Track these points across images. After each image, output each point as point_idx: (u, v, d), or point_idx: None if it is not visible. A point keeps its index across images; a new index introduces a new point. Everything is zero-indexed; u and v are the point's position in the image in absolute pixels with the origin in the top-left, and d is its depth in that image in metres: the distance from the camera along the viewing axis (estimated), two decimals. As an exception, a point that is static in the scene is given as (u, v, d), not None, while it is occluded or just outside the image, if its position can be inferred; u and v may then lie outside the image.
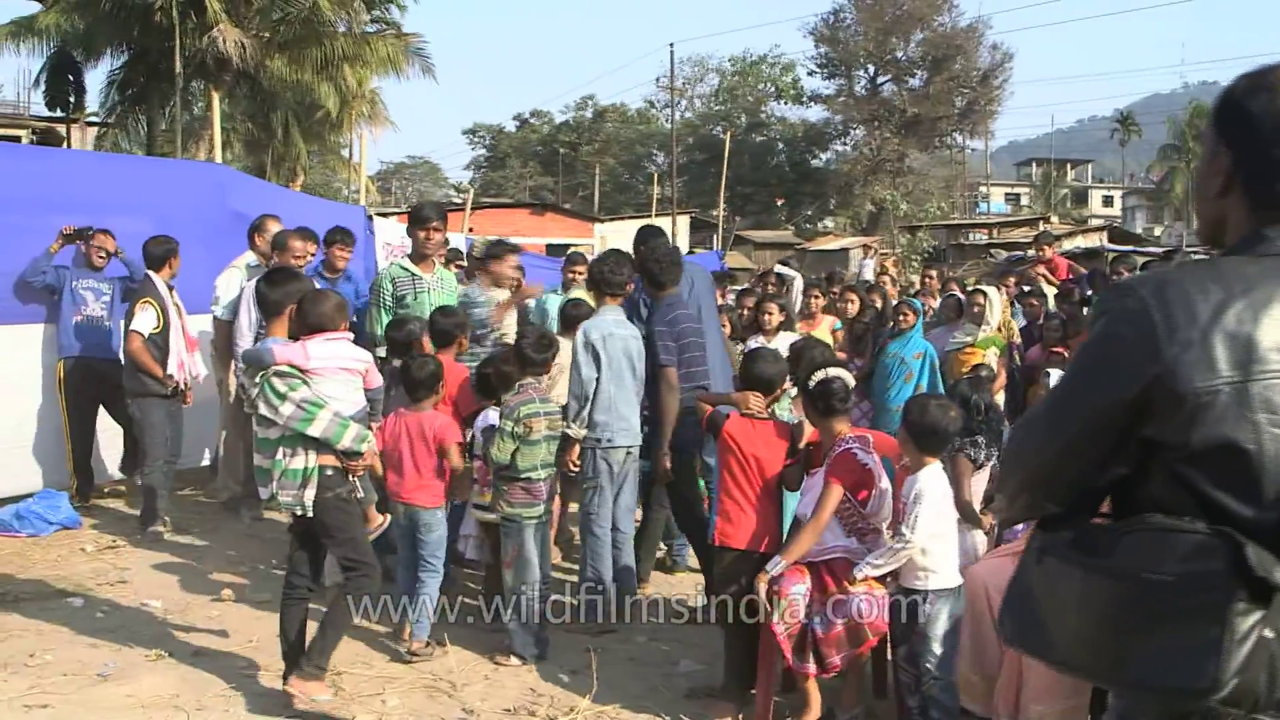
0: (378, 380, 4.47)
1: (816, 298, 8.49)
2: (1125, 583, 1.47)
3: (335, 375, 4.12)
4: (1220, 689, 1.37)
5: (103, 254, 6.96)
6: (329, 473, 4.06)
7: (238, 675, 4.43)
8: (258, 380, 4.00)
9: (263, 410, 4.00)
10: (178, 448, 6.96)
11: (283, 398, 3.96)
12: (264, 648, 4.74)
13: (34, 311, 6.99)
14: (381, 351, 5.66)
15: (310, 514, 4.05)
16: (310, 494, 4.03)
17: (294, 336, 4.17)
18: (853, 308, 8.68)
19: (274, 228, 7.24)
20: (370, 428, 4.29)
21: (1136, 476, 1.57)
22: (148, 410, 6.66)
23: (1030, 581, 1.62)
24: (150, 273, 6.74)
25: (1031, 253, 12.26)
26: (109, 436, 7.28)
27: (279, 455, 4.04)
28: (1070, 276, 10.53)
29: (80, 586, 5.55)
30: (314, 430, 3.98)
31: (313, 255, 7.07)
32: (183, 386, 6.81)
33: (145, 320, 6.56)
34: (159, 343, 6.65)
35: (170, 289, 6.80)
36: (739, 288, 11.56)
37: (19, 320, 6.94)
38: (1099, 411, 1.55)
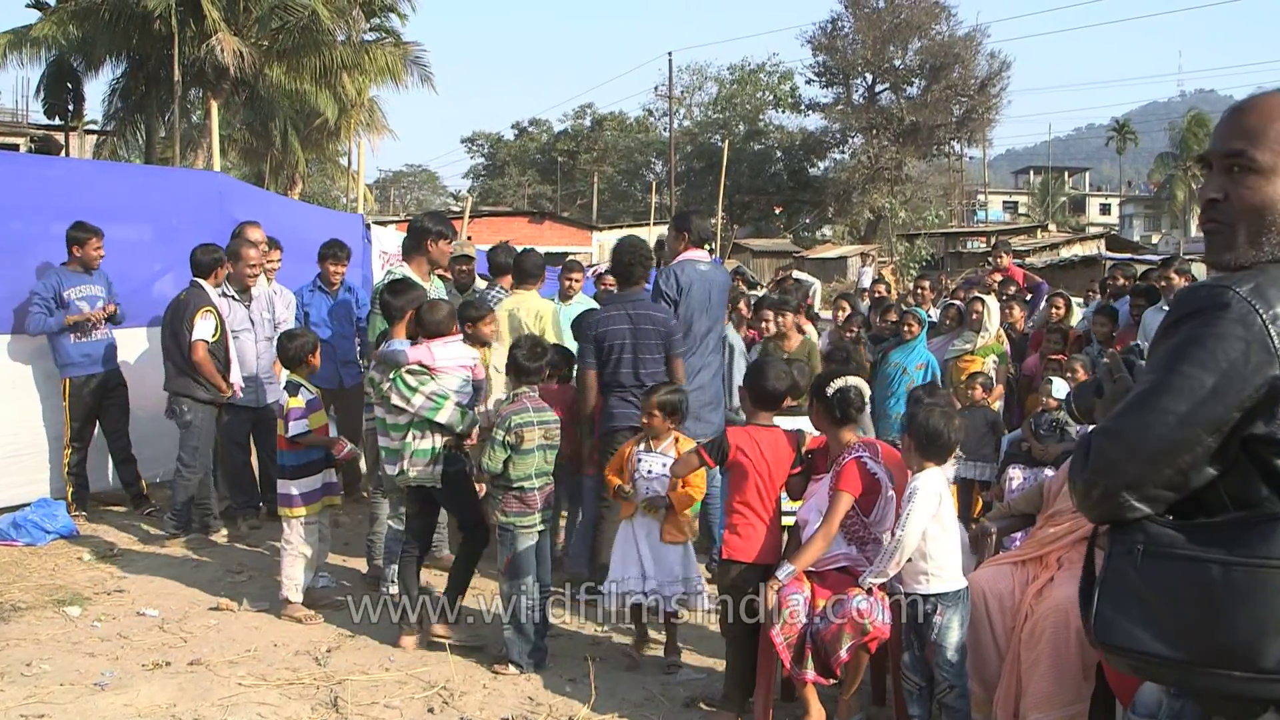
0: (482, 373, 5.24)
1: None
2: (1264, 573, 1.49)
3: (454, 371, 4.91)
4: None
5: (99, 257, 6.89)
6: (450, 451, 4.88)
7: (235, 685, 4.41)
8: (391, 376, 4.80)
9: (395, 401, 4.81)
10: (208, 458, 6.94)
11: (414, 391, 4.78)
12: (262, 657, 4.74)
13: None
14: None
15: (440, 486, 4.87)
16: (439, 469, 4.85)
17: (411, 336, 4.95)
18: (841, 315, 8.65)
19: (254, 235, 7.23)
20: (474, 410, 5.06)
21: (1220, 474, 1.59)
22: (200, 414, 6.61)
23: (1132, 580, 1.61)
24: (200, 280, 6.68)
25: (989, 262, 12.26)
26: (96, 445, 7.23)
27: (409, 437, 4.84)
28: (1025, 286, 10.52)
29: (77, 596, 5.53)
30: (440, 417, 4.80)
31: (276, 262, 7.13)
32: (236, 395, 6.79)
33: (206, 328, 6.51)
34: (217, 352, 6.60)
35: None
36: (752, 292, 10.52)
37: (19, 329, 6.93)
38: (1216, 412, 1.55)
